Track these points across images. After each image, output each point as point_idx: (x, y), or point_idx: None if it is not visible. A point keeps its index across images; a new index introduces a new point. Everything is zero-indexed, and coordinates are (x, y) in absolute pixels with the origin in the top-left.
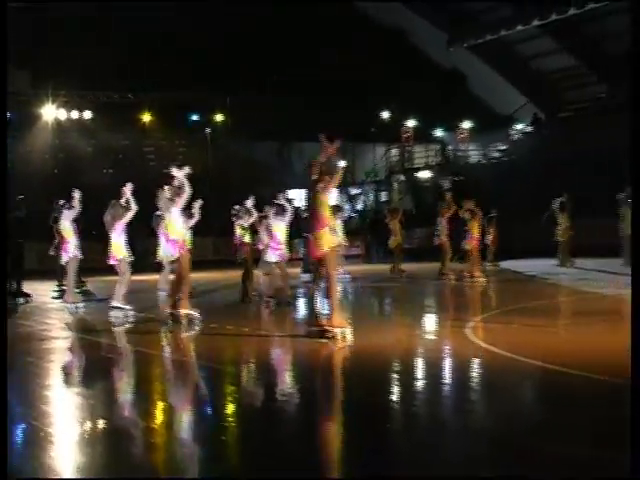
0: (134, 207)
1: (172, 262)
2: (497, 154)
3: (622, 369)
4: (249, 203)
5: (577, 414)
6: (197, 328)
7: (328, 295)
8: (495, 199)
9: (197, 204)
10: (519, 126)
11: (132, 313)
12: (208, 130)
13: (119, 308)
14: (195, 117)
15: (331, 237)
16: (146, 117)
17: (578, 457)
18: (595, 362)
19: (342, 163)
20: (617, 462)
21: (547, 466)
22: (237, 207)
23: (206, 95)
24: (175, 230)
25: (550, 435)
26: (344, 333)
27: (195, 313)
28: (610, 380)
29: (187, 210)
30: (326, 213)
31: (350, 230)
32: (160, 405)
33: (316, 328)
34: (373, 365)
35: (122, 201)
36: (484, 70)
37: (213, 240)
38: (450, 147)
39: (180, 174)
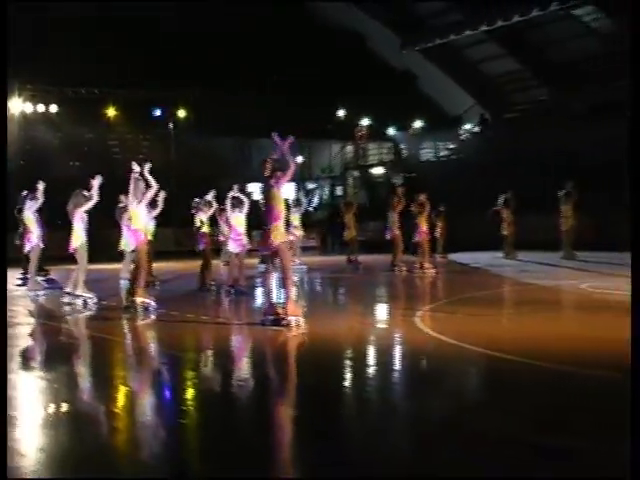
0: (95, 198)
1: (132, 251)
2: (446, 152)
3: (559, 356)
4: (209, 196)
5: (519, 400)
6: (153, 316)
7: (283, 285)
8: (444, 195)
9: (161, 195)
10: (467, 126)
11: (93, 300)
12: (171, 125)
13: (79, 296)
14: (159, 112)
15: (284, 230)
16: (111, 112)
17: (521, 442)
18: (534, 349)
19: (299, 159)
20: (558, 448)
21: (491, 451)
22: (197, 200)
23: (170, 91)
24: (138, 222)
25: (494, 420)
26: (298, 321)
27: (151, 301)
28: (548, 367)
29: (152, 201)
30: (280, 207)
31: (307, 223)
32: (121, 390)
33: (272, 316)
34: (327, 352)
35: (90, 192)
36: (435, 72)
37: (174, 231)
38: (402, 145)
39: (143, 170)
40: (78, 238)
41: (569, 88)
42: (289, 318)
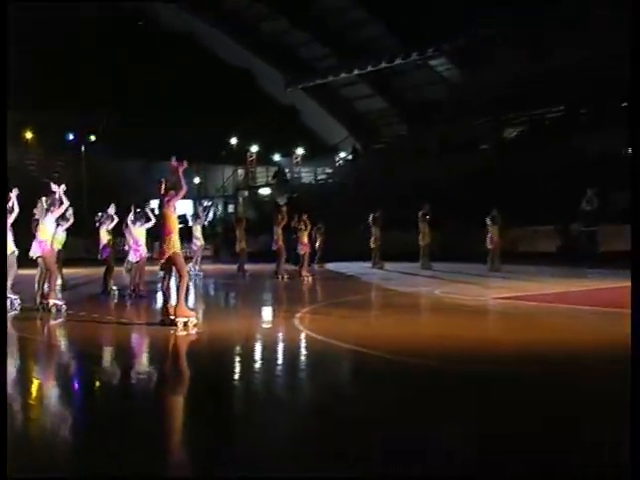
0: (16, 209)
1: (38, 258)
2: (324, 176)
3: (412, 351)
4: (111, 210)
5: (376, 389)
6: (63, 316)
7: (177, 289)
8: (323, 213)
9: (70, 210)
10: (342, 154)
11: (18, 302)
12: (83, 148)
13: (7, 297)
14: (72, 137)
15: (177, 242)
16: (29, 135)
17: (390, 426)
18: (392, 345)
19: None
20: (426, 431)
21: (363, 437)
22: (100, 213)
23: (82, 117)
24: (46, 233)
25: (363, 407)
26: (190, 322)
27: (61, 303)
28: (401, 360)
29: (62, 216)
30: (172, 222)
31: (204, 235)
32: (33, 382)
33: (168, 317)
34: (217, 348)
35: (8, 205)
36: (315, 107)
37: (84, 241)
38: (286, 169)
39: (59, 190)
40: (8, 247)
41: (423, 126)
42: (179, 319)
